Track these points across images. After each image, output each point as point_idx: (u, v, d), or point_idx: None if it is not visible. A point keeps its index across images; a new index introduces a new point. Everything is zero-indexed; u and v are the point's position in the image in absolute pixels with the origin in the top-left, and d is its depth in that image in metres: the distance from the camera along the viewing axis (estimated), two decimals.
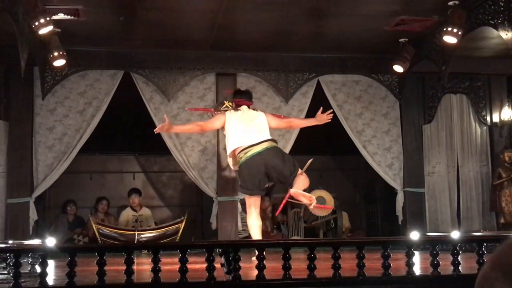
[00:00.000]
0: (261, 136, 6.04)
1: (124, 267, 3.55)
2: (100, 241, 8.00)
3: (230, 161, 6.20)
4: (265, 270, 3.68)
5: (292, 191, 5.88)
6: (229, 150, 6.10)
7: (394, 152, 9.00)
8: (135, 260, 4.10)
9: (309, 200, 5.86)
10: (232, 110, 6.31)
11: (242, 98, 6.38)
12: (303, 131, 8.74)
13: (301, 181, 5.97)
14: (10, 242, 6.50)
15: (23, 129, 8.27)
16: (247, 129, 6.05)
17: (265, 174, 5.95)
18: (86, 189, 10.32)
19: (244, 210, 8.75)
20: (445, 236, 5.63)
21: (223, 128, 6.23)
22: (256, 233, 5.92)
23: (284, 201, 6.38)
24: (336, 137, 9.63)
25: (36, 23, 6.21)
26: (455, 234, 4.68)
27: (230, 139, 6.07)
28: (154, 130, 6.25)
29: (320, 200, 8.95)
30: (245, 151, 5.93)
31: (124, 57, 8.47)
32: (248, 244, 4.91)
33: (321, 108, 6.45)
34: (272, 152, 5.98)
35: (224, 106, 8.13)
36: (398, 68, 8.22)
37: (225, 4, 6.72)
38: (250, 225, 6.00)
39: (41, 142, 8.27)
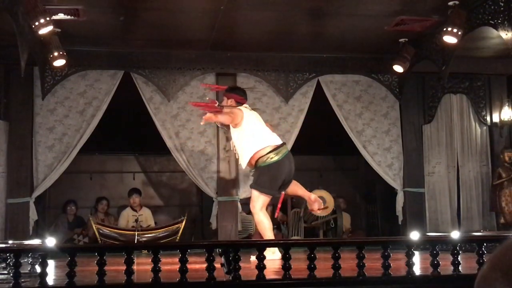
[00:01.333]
0: (278, 137, 6.09)
1: (124, 267, 3.55)
2: (100, 241, 8.00)
3: (248, 159, 5.90)
4: (265, 270, 3.68)
5: (312, 196, 6.19)
6: (256, 148, 5.82)
7: (394, 152, 9.00)
8: (135, 260, 4.10)
9: (319, 204, 6.11)
10: (245, 107, 6.09)
11: (244, 97, 6.25)
12: (303, 131, 8.77)
13: (299, 184, 6.20)
14: (10, 242, 6.50)
15: (23, 129, 8.27)
16: (266, 129, 6.02)
17: (285, 176, 5.93)
18: (86, 189, 10.32)
19: (244, 210, 8.78)
20: (445, 236, 5.63)
21: (236, 124, 5.91)
22: (271, 234, 5.84)
23: (280, 204, 6.42)
24: (336, 137, 9.64)
25: (36, 23, 6.21)
26: (455, 234, 4.68)
27: (257, 137, 5.87)
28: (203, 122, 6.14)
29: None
30: (276, 151, 5.84)
31: (124, 57, 8.47)
32: (248, 244, 4.91)
33: None
34: (291, 155, 6.05)
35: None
36: (398, 68, 8.23)
37: (225, 4, 6.72)
38: (266, 225, 5.81)
39: (41, 142, 8.27)
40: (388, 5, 6.95)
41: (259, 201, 5.84)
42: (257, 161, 5.87)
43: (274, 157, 5.81)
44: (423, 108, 9.21)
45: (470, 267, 4.05)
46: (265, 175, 5.85)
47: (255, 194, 5.88)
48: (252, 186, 5.95)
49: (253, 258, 4.48)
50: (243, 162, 5.99)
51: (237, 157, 6.24)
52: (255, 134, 5.88)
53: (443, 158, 9.16)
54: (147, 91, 8.54)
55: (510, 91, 9.43)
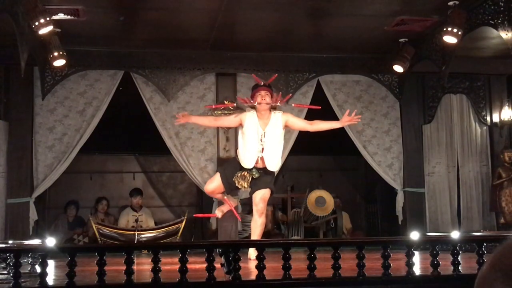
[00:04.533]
0: None
1: (124, 267, 3.56)
2: (100, 241, 8.00)
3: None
4: (265, 270, 3.68)
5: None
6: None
7: (394, 152, 9.00)
8: (135, 260, 4.10)
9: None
10: None
11: None
12: (303, 131, 8.74)
13: None
14: (10, 242, 6.50)
15: (23, 129, 8.27)
16: None
17: None
18: (86, 189, 10.32)
19: (244, 210, 8.78)
20: (445, 236, 5.63)
21: (286, 126, 6.03)
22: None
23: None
24: (336, 137, 9.62)
25: (36, 23, 6.21)
26: (455, 234, 4.68)
27: None
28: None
29: (320, 200, 8.96)
30: None
31: (124, 57, 8.46)
32: (248, 244, 4.91)
33: None
34: None
35: (223, 107, 8.11)
36: (398, 68, 8.22)
37: (225, 4, 6.71)
38: (263, 226, 5.95)
39: (41, 142, 8.27)
40: (388, 5, 6.94)
41: (267, 201, 5.97)
42: None
43: None
44: (423, 108, 9.21)
45: (470, 267, 4.05)
46: (274, 178, 6.11)
47: (269, 194, 5.93)
48: (271, 187, 5.95)
49: (253, 257, 4.48)
50: (277, 165, 6.02)
51: (261, 156, 5.86)
52: None
53: (443, 158, 9.15)
54: (147, 91, 8.54)
55: (510, 91, 9.43)
